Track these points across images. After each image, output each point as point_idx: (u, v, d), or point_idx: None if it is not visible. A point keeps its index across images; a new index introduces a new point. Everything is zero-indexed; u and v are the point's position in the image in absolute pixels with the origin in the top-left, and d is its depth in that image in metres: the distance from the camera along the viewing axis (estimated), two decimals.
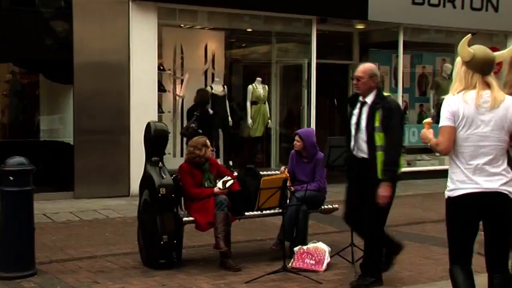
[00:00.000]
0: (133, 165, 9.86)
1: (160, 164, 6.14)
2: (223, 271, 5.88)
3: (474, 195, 3.68)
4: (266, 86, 12.13)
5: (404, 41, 12.63)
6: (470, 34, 3.84)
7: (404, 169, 13.52)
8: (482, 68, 3.75)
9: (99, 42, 9.92)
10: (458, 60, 3.83)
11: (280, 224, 6.39)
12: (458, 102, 3.71)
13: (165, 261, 5.96)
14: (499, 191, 3.69)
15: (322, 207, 6.79)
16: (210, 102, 10.46)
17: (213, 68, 12.08)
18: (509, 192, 3.71)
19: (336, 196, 9.08)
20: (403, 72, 12.76)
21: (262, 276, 5.58)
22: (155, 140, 6.23)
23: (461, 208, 3.73)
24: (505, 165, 3.74)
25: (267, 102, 12.09)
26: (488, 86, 3.73)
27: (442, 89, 13.21)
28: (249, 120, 11.83)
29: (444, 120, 3.74)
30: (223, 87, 11.71)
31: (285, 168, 6.75)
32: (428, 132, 3.89)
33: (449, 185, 3.79)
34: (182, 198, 6.28)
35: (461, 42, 3.81)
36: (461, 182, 3.72)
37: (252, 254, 6.59)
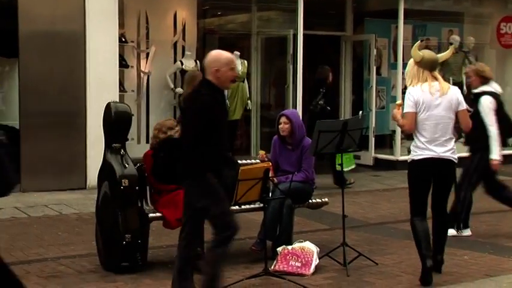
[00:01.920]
0: (90, 153, 9.83)
1: (122, 151, 6.14)
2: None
3: (431, 159, 5.65)
4: (245, 62, 12.12)
5: (405, 9, 12.67)
6: (419, 41, 6.12)
7: (404, 157, 13.63)
8: (430, 66, 5.72)
9: (49, 8, 9.84)
10: (411, 61, 5.76)
11: (261, 220, 6.43)
12: (418, 92, 5.63)
13: (128, 264, 5.98)
14: (448, 157, 5.68)
15: (310, 201, 6.85)
16: (330, 77, 11.09)
17: (184, 40, 12.04)
18: (454, 158, 5.73)
19: (325, 188, 9.19)
20: (403, 45, 12.79)
21: (240, 280, 5.63)
22: (116, 123, 6.22)
23: (421, 168, 5.70)
24: (453, 138, 5.73)
25: (246, 80, 12.09)
26: (435, 78, 5.71)
27: (448, 65, 13.33)
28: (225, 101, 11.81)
29: (408, 108, 5.64)
30: (196, 63, 11.68)
31: (265, 155, 6.78)
32: (398, 113, 5.82)
33: (413, 152, 5.73)
34: (148, 191, 6.30)
35: (413, 47, 5.81)
36: (422, 149, 5.66)
37: (229, 255, 6.63)
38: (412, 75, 5.72)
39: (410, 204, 5.80)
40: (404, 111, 5.67)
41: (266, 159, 6.73)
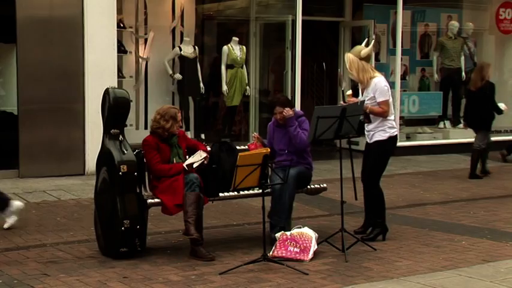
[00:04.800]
0: (89, 138, 9.82)
1: (120, 137, 6.13)
2: (194, 261, 5.93)
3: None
4: (244, 47, 12.10)
5: None
6: (372, 39, 6.98)
7: (402, 143, 13.67)
8: (370, 59, 6.67)
9: None
10: (352, 57, 6.53)
11: (261, 206, 6.43)
12: (385, 80, 6.60)
13: (127, 249, 5.99)
14: None
15: (308, 187, 6.84)
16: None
17: (182, 25, 12.00)
18: None
19: (323, 174, 9.20)
20: (402, 31, 12.77)
21: (238, 266, 5.64)
22: (115, 109, 6.20)
23: (396, 142, 6.71)
24: None
25: (244, 66, 12.07)
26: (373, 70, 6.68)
27: (447, 51, 13.30)
28: (224, 87, 11.81)
29: (387, 96, 6.52)
30: (194, 48, 11.66)
31: (257, 136, 6.75)
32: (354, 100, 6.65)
33: (390, 130, 6.57)
34: (146, 177, 6.29)
35: (370, 46, 6.65)
36: (394, 127, 6.63)
37: (228, 241, 6.65)
38: (361, 69, 6.53)
39: (377, 174, 6.62)
40: (384, 99, 6.48)
41: (256, 140, 6.71)
